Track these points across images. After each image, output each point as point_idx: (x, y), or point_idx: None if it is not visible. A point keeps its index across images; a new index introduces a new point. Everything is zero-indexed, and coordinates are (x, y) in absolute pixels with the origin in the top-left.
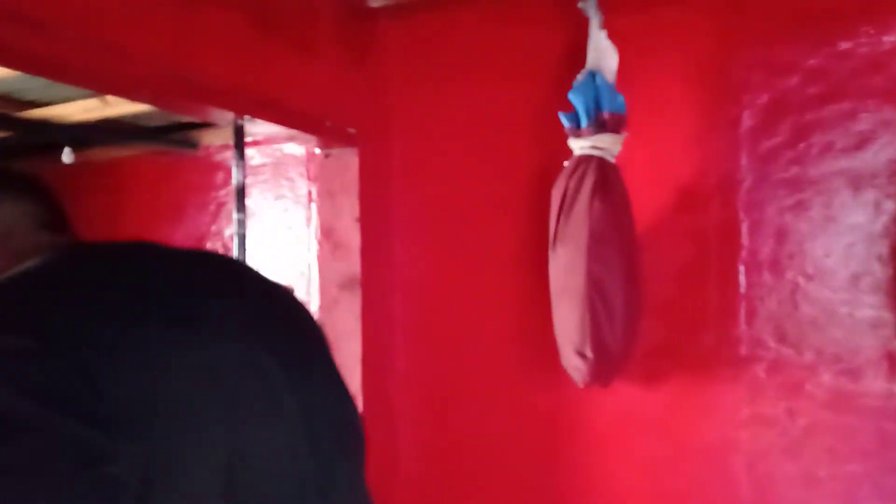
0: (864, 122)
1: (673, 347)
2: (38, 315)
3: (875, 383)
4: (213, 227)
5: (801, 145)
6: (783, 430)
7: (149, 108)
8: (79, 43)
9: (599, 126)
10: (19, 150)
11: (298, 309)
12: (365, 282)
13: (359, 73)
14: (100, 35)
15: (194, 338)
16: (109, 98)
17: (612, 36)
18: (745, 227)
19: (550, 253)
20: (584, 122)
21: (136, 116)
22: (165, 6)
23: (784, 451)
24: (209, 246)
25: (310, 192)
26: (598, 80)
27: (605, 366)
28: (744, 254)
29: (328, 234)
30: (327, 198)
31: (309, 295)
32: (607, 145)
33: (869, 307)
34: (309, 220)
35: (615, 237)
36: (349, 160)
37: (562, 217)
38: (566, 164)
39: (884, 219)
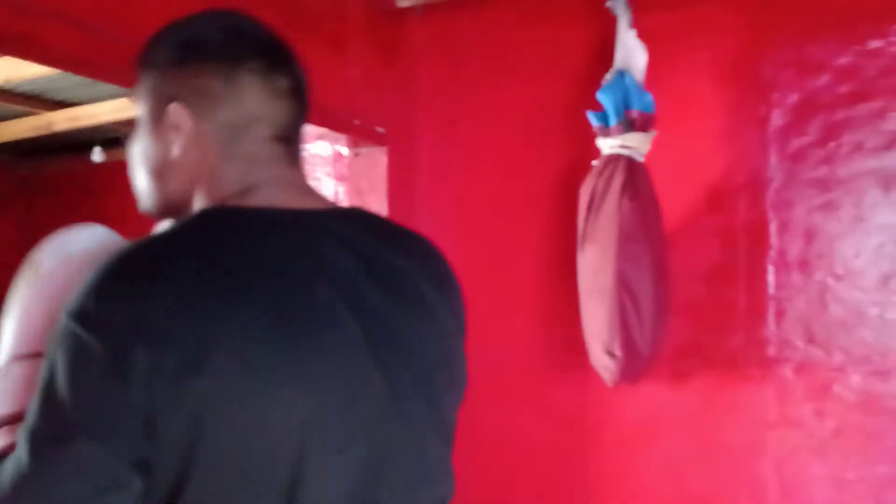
0: (894, 122)
1: (701, 347)
2: (134, 309)
3: None
4: None
5: (831, 144)
6: (811, 432)
7: None
8: (117, 41)
9: (628, 125)
10: (51, 148)
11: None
12: None
13: (387, 72)
14: (137, 33)
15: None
16: None
17: (640, 34)
18: (773, 227)
19: (579, 252)
20: (612, 121)
21: None
22: (199, 3)
23: (812, 453)
24: None
25: (336, 192)
26: (626, 78)
27: (634, 364)
28: (772, 254)
29: None
30: (356, 196)
31: None
32: (636, 144)
33: None
34: None
35: (644, 236)
36: (378, 159)
37: (590, 216)
38: (595, 163)
39: None
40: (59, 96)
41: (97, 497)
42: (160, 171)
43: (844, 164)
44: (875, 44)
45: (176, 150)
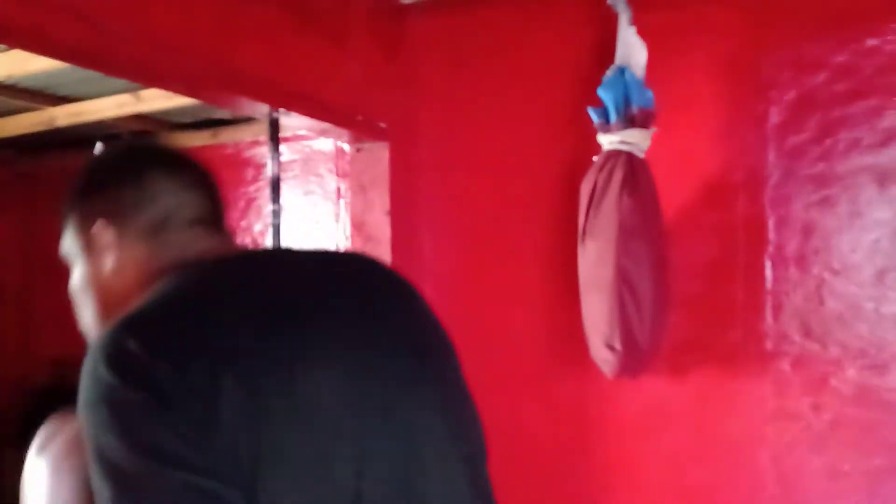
0: (890, 119)
1: (700, 341)
2: (160, 361)
3: None
4: (243, 223)
5: (828, 141)
6: (808, 425)
7: (180, 104)
8: (124, 35)
9: (628, 121)
10: (53, 144)
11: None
12: None
13: (390, 68)
14: (144, 28)
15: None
16: (142, 94)
17: (640, 33)
18: (771, 223)
19: (579, 246)
20: (613, 118)
21: (167, 112)
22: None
23: (809, 446)
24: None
25: (338, 188)
26: (627, 75)
27: (634, 358)
28: (770, 249)
29: (359, 228)
30: (359, 192)
31: None
32: (636, 140)
33: (895, 302)
34: (337, 215)
35: (644, 231)
36: (380, 154)
37: (591, 211)
38: (595, 159)
39: None
40: (62, 92)
41: None
42: (103, 288)
43: (841, 161)
44: (871, 42)
45: (110, 263)
